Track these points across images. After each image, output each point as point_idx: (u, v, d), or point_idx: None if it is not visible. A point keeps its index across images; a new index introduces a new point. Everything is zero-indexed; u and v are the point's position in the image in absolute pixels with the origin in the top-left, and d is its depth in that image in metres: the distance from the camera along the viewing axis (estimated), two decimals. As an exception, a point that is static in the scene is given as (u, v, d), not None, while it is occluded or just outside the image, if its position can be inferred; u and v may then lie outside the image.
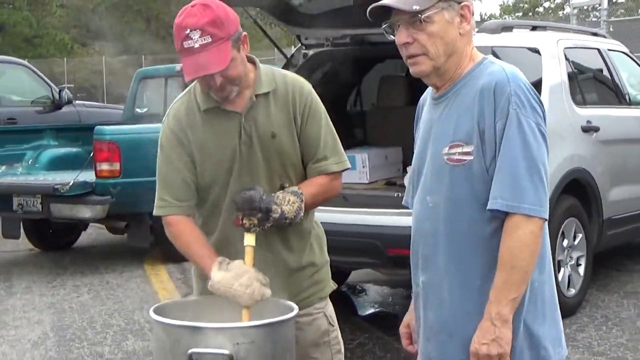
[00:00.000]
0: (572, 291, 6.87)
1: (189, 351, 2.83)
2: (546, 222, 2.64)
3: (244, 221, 3.09)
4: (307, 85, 3.32)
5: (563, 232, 6.81)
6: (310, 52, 7.49)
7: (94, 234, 10.84)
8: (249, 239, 3.10)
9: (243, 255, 3.10)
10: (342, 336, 3.51)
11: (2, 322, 7.23)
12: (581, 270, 7.04)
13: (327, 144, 3.26)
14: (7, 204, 9.06)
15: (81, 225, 10.00)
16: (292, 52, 7.69)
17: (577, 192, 6.92)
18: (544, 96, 6.72)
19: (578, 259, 7.02)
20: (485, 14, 65.09)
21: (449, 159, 2.65)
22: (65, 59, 51.35)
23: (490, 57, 2.72)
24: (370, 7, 2.70)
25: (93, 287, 8.43)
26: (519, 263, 2.52)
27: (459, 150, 2.63)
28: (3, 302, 7.98)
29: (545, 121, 2.60)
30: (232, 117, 3.22)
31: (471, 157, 2.60)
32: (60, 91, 12.87)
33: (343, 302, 6.86)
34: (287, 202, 3.10)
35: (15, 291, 8.40)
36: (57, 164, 10.08)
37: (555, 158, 6.62)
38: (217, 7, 3.07)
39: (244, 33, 3.14)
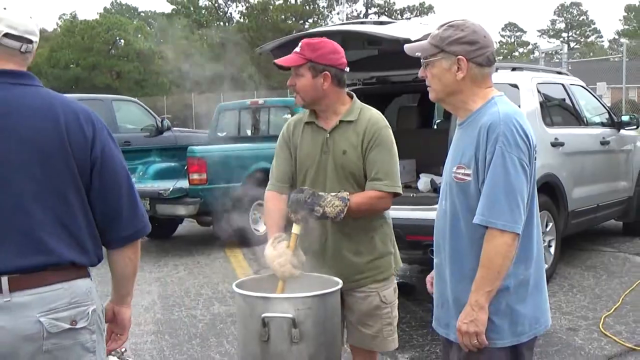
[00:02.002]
0: (546, 266, 6.77)
1: (262, 315, 2.84)
2: (538, 233, 2.65)
3: (292, 215, 3.11)
4: (382, 123, 3.29)
5: (538, 222, 6.74)
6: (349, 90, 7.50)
7: (187, 226, 10.86)
8: (295, 228, 3.11)
9: (316, 232, 3.20)
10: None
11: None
12: (552, 250, 6.95)
13: (384, 169, 3.21)
14: (123, 204, 9.08)
15: (178, 220, 10.04)
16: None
17: (548, 191, 6.82)
18: (522, 120, 6.68)
19: (549, 241, 6.91)
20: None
21: (455, 177, 2.62)
22: (164, 97, 51.71)
23: (497, 98, 2.64)
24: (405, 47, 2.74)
25: (187, 266, 8.46)
26: (493, 265, 2.48)
27: (462, 171, 2.60)
28: (122, 277, 7.97)
29: (529, 155, 2.52)
30: (321, 132, 3.28)
31: (469, 178, 2.57)
32: (161, 121, 12.95)
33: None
34: (330, 205, 3.08)
35: (131, 269, 8.42)
36: (161, 175, 10.12)
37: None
38: (332, 44, 3.23)
39: (331, 74, 3.16)
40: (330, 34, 6.13)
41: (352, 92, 3.34)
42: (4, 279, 2.13)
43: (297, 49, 3.19)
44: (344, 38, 5.63)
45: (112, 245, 2.38)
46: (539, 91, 7.10)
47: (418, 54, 2.69)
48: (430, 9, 61.75)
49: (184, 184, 8.83)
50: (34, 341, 2.14)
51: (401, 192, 3.29)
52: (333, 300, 3.00)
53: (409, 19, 62.54)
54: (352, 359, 3.56)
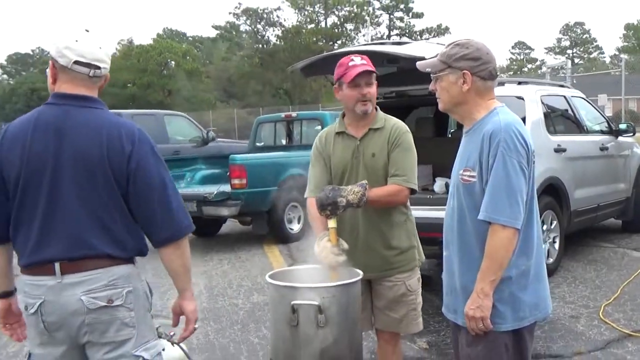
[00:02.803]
0: (551, 260, 6.72)
1: (291, 302, 2.86)
2: (538, 229, 2.65)
3: (322, 214, 3.15)
4: (404, 128, 3.37)
5: (543, 220, 6.67)
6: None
7: (230, 226, 10.91)
8: (330, 223, 3.14)
9: (356, 223, 3.26)
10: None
11: (171, 284, 7.29)
12: (556, 246, 6.87)
13: (403, 167, 3.26)
14: (174, 207, 9.13)
15: (222, 220, 10.06)
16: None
17: (552, 193, 6.77)
18: (527, 128, 6.62)
19: (554, 238, 6.84)
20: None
21: (462, 178, 2.64)
22: (210, 111, 52.07)
23: (499, 108, 2.65)
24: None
25: (230, 261, 8.49)
26: (496, 257, 2.50)
27: (468, 173, 2.61)
28: (172, 271, 8.03)
29: (528, 159, 2.53)
30: (352, 139, 3.33)
31: (475, 179, 2.59)
32: (207, 132, 13.04)
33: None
34: (352, 193, 3.12)
35: (180, 263, 8.47)
36: (206, 180, 10.16)
37: (537, 170, 6.49)
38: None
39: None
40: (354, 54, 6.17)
41: (376, 105, 3.38)
42: (57, 265, 2.34)
43: (359, 59, 3.28)
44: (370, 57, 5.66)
45: (154, 245, 2.50)
46: (542, 102, 7.02)
47: (428, 70, 2.73)
48: (446, 30, 61.52)
49: (226, 188, 8.87)
50: (79, 315, 2.35)
51: (417, 188, 3.33)
52: (355, 289, 3.01)
53: (428, 39, 62.36)
54: (378, 342, 3.58)
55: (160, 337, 2.96)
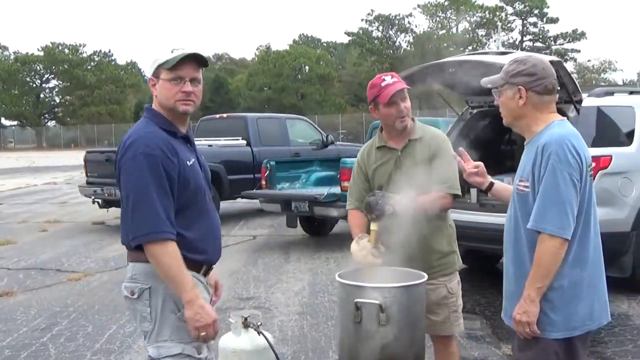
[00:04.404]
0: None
1: (355, 300, 2.98)
2: (596, 240, 2.64)
3: (368, 216, 3.25)
4: (443, 136, 3.43)
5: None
6: (475, 111, 7.45)
7: (343, 226, 11.06)
8: (373, 225, 3.23)
9: (404, 226, 3.25)
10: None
11: (279, 279, 7.60)
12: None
13: (445, 174, 3.31)
14: (288, 206, 9.45)
15: (334, 220, 10.17)
16: (462, 111, 7.67)
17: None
18: (637, 137, 6.40)
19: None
20: (626, 79, 60.79)
21: (517, 188, 2.69)
22: (340, 114, 52.76)
23: (557, 122, 2.68)
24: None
25: (337, 260, 8.63)
26: (542, 265, 2.53)
27: (523, 183, 2.66)
28: (282, 266, 8.33)
29: (580, 172, 2.54)
30: (393, 151, 3.41)
31: (528, 190, 2.62)
32: (327, 136, 13.39)
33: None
34: (399, 203, 3.18)
35: (290, 260, 8.77)
36: (320, 182, 10.35)
37: (641, 184, 6.24)
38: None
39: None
40: (453, 64, 6.19)
41: (412, 116, 3.45)
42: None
43: (390, 77, 3.38)
44: (469, 67, 5.69)
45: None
46: (655, 113, 6.69)
47: (489, 86, 2.80)
48: (582, 35, 58.83)
49: (337, 190, 9.04)
50: (124, 298, 2.70)
51: (460, 193, 3.37)
52: (418, 291, 3.08)
53: (562, 44, 59.88)
54: (434, 345, 3.63)
55: (248, 326, 3.18)
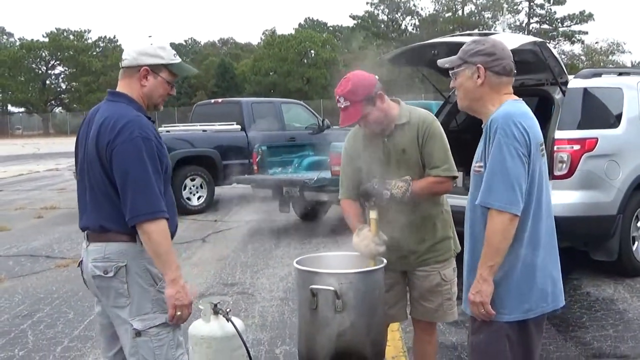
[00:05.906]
0: (645, 258, 6.36)
1: (310, 287, 2.97)
2: (549, 220, 2.59)
3: (365, 203, 3.20)
4: (430, 118, 3.33)
5: (637, 216, 6.31)
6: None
7: (335, 211, 11.00)
8: (372, 214, 3.20)
9: (395, 217, 3.24)
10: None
11: (267, 264, 7.56)
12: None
13: (440, 157, 3.25)
14: (279, 191, 9.43)
15: (326, 205, 10.00)
16: (449, 94, 7.59)
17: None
18: (624, 121, 6.31)
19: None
20: (635, 61, 60.35)
21: (474, 169, 2.66)
22: (345, 99, 52.47)
23: (510, 101, 2.62)
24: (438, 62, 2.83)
25: (327, 245, 8.49)
26: (492, 242, 2.48)
27: (478, 164, 2.62)
28: (271, 252, 8.28)
29: (528, 148, 2.48)
30: (379, 138, 3.32)
31: (482, 170, 2.57)
32: (323, 120, 13.27)
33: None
34: (395, 187, 3.17)
35: (280, 245, 8.73)
36: (311, 167, 10.32)
37: (631, 164, 6.16)
38: (352, 79, 3.18)
39: (379, 92, 3.20)
40: (435, 46, 6.10)
41: (397, 99, 3.36)
42: (86, 233, 2.80)
43: (343, 100, 3.18)
44: (448, 48, 5.60)
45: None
46: (644, 93, 6.60)
47: (447, 66, 2.74)
48: (590, 16, 58.28)
49: (327, 174, 8.99)
50: (93, 278, 2.75)
51: (457, 175, 3.31)
52: (374, 277, 3.07)
53: (569, 26, 59.38)
54: (414, 331, 3.59)
55: (217, 313, 3.15)
